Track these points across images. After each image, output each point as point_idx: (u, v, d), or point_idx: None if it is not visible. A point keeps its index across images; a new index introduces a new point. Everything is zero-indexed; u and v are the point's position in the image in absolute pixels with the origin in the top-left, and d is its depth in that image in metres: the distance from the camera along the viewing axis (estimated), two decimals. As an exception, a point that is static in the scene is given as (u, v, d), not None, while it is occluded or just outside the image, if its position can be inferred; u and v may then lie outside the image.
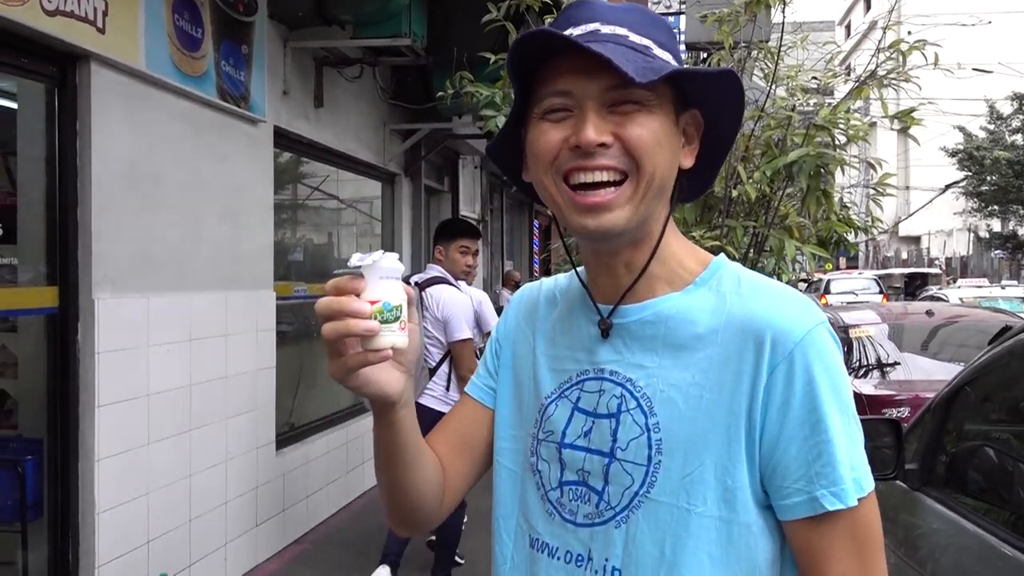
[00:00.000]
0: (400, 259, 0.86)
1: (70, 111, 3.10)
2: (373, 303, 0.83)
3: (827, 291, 19.05)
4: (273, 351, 4.52)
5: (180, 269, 3.68)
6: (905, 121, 2.87)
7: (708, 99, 0.95)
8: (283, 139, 4.76)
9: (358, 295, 0.83)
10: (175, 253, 3.64)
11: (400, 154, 6.54)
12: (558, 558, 0.98)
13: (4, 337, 3.39)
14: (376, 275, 0.84)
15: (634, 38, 0.91)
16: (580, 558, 0.96)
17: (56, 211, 3.09)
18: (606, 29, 0.91)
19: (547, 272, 6.37)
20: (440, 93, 3.98)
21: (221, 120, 4.01)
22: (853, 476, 0.87)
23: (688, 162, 0.97)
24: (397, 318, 0.84)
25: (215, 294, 3.95)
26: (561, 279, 1.10)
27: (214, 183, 3.95)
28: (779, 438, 0.88)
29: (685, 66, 0.92)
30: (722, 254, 1.00)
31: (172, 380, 3.59)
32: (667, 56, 0.93)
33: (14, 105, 3.22)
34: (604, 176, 0.89)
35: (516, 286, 9.11)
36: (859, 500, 0.87)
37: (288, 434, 4.87)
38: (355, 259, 0.84)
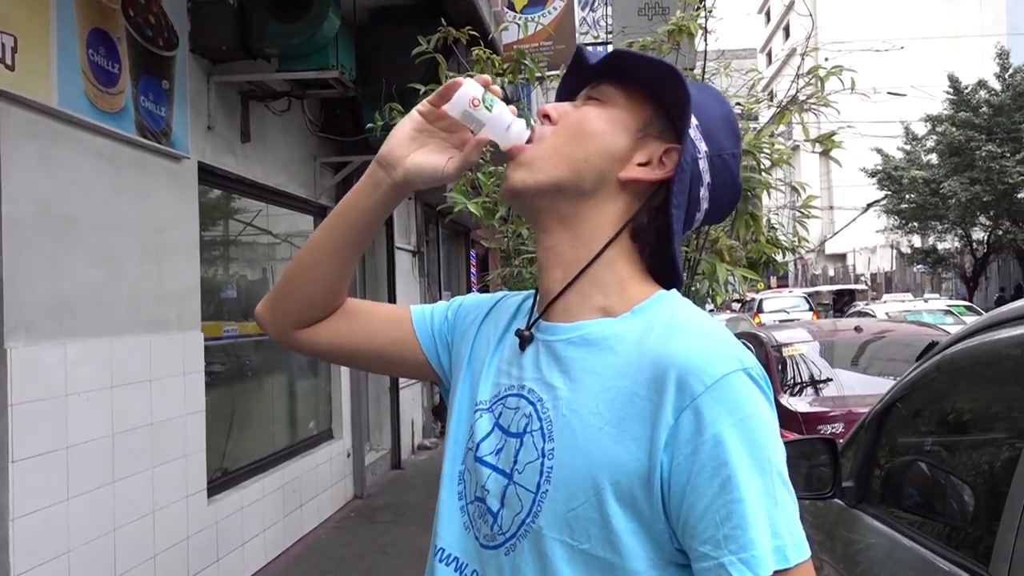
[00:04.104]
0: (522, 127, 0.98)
1: (-24, 151, 2.95)
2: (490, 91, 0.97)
3: (760, 310, 19.51)
4: (202, 394, 4.36)
5: (100, 313, 3.53)
6: (826, 144, 2.95)
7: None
8: (209, 175, 4.64)
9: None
10: (94, 297, 3.49)
11: (332, 187, 6.45)
12: (455, 568, 0.95)
13: (-93, 392, 3.19)
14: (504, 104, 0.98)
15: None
16: (476, 574, 0.93)
17: (-38, 256, 2.93)
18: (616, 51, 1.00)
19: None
20: (369, 125, 3.94)
21: (141, 157, 3.88)
22: (775, 544, 0.77)
23: (628, 173, 0.94)
24: (488, 107, 0.96)
25: (138, 337, 3.80)
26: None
27: (135, 222, 3.81)
28: (686, 491, 0.79)
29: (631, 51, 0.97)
30: (674, 289, 0.97)
31: (93, 430, 3.41)
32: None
33: (-85, 146, 3.06)
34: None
35: None
36: (781, 572, 0.76)
37: (220, 480, 4.70)
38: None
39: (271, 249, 6.21)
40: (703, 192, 0.98)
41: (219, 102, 4.70)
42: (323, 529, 5.91)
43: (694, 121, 0.95)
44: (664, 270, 0.99)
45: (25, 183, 3.10)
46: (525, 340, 0.97)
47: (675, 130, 0.96)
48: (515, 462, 0.90)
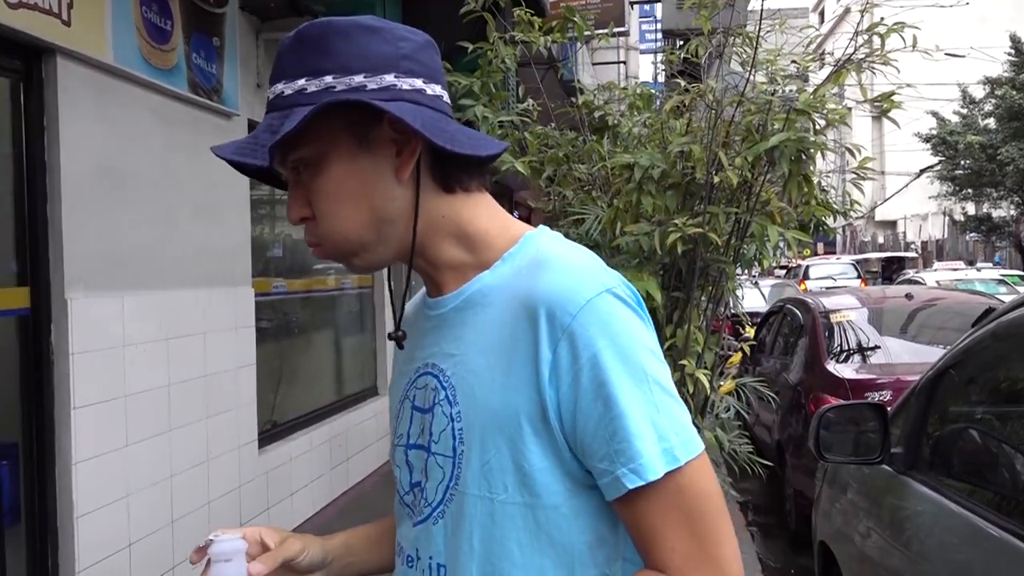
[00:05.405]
0: (242, 537, 0.95)
1: (37, 106, 3.02)
2: None
3: (806, 277, 19.21)
4: (253, 348, 4.46)
5: (155, 267, 3.61)
6: (883, 105, 2.87)
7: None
8: (258, 133, 4.68)
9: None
10: (149, 250, 3.58)
11: (377, 146, 6.46)
12: (402, 561, 1.00)
13: (-25, 340, 3.31)
14: (210, 558, 0.93)
15: (288, 91, 0.89)
16: (410, 558, 0.97)
17: (25, 209, 3.02)
18: (275, 88, 0.91)
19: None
20: (417, 83, 3.93)
21: (193, 114, 3.94)
22: (662, 447, 0.82)
23: (405, 172, 0.90)
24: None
25: (192, 291, 3.89)
26: None
27: (187, 178, 3.88)
28: (576, 417, 0.84)
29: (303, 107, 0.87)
30: (541, 226, 0.98)
31: (149, 380, 3.52)
32: (326, 82, 0.88)
33: (-21, 102, 3.15)
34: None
35: None
36: (674, 470, 0.82)
37: (270, 432, 4.82)
38: (208, 537, 0.95)
39: (317, 207, 6.26)
40: (431, 91, 0.93)
41: (268, 59, 4.73)
42: (369, 482, 6.05)
43: (375, 84, 0.89)
44: (474, 163, 0.96)
45: (82, 138, 3.17)
46: (398, 340, 1.01)
47: (361, 105, 0.88)
48: (431, 435, 0.94)
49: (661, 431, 0.83)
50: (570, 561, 0.88)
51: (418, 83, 0.92)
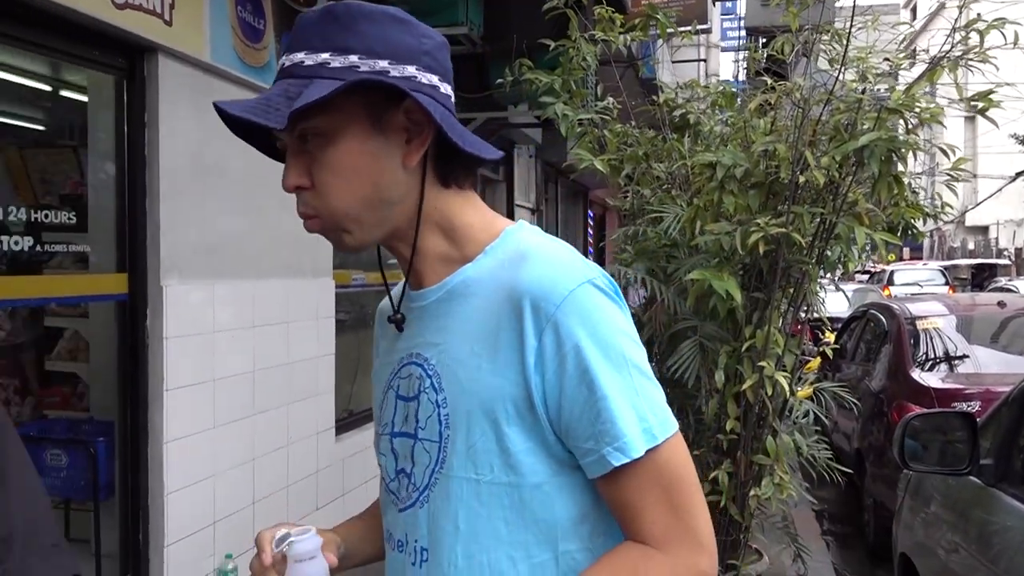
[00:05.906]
0: (315, 532, 0.98)
1: (139, 102, 3.17)
2: None
3: (890, 282, 18.55)
4: (332, 338, 4.58)
5: (243, 257, 3.75)
6: (980, 104, 2.76)
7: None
8: (342, 129, 4.79)
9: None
10: (238, 241, 3.71)
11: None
12: (392, 547, 1.03)
13: (76, 322, 3.50)
14: (290, 560, 0.96)
15: (309, 61, 0.92)
16: (400, 543, 1.01)
17: (125, 200, 3.18)
18: (294, 57, 0.93)
19: (601, 263, 6.33)
20: (499, 80, 3.98)
21: (282, 110, 4.06)
22: (642, 427, 0.88)
23: (413, 159, 0.94)
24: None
25: (277, 281, 4.02)
26: None
27: (275, 172, 3.92)
28: (562, 401, 0.89)
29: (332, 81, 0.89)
30: (521, 220, 1.01)
31: (236, 365, 3.66)
32: (351, 60, 0.90)
33: (84, 97, 3.32)
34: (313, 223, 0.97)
35: None
36: (652, 449, 0.88)
37: (346, 420, 4.94)
38: (278, 537, 0.98)
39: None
40: (444, 90, 0.97)
41: (353, 57, 4.83)
42: (438, 474, 6.12)
43: (398, 72, 0.92)
44: (474, 163, 1.01)
45: (180, 132, 3.31)
46: (398, 323, 1.03)
47: (390, 87, 0.92)
48: (417, 421, 0.97)
49: (640, 412, 0.89)
50: (553, 536, 0.93)
51: (435, 79, 0.96)
